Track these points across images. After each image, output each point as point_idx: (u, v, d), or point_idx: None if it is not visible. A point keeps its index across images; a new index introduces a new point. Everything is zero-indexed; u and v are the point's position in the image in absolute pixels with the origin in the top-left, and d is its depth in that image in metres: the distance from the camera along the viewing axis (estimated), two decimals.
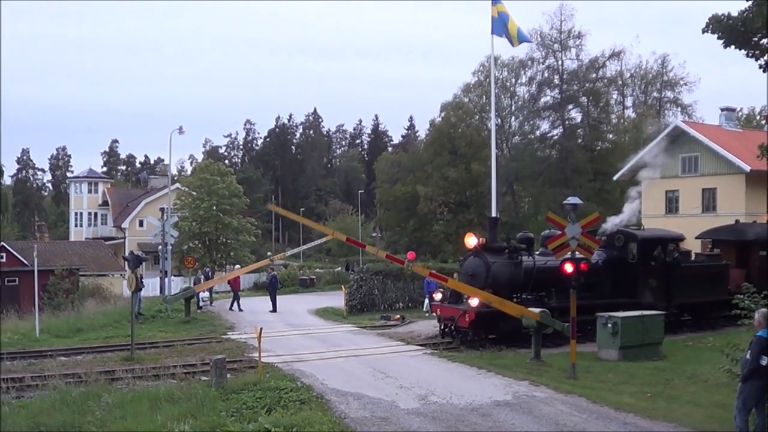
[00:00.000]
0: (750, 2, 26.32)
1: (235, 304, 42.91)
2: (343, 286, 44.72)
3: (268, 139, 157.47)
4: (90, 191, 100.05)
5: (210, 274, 49.61)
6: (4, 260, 53.90)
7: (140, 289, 34.22)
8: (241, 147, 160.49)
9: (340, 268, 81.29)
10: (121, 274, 61.49)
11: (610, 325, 24.45)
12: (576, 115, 78.84)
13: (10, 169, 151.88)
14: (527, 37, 43.19)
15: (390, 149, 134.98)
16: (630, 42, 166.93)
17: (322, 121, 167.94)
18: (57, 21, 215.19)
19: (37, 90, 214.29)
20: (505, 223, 62.26)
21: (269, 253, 57.03)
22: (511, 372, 20.65)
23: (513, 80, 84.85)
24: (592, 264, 24.89)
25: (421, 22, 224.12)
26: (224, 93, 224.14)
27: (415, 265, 23.75)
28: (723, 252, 35.12)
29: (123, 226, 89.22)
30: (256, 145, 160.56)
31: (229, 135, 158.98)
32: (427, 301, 38.73)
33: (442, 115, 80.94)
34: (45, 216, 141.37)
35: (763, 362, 12.87)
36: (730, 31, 26.86)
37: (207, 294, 46.01)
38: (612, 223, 32.30)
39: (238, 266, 69.58)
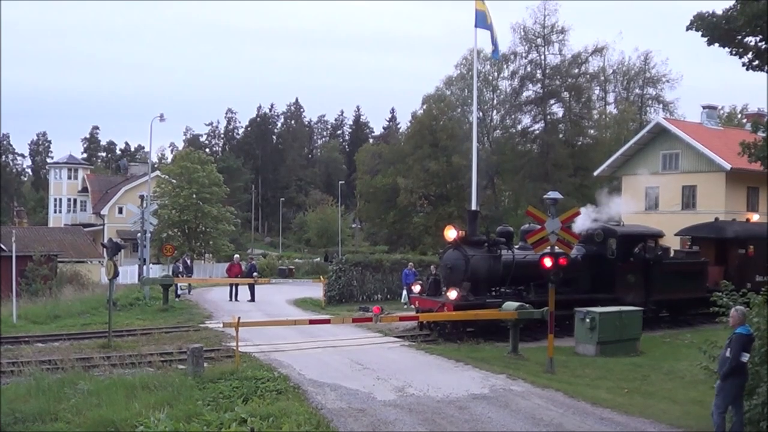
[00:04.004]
0: (734, 0, 26.41)
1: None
2: (321, 277, 44.64)
3: (249, 129, 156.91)
4: (70, 177, 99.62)
5: (189, 262, 49.44)
6: None
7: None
8: (222, 136, 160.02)
9: (319, 259, 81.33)
10: (99, 261, 61.20)
11: (588, 320, 24.50)
12: (558, 110, 79.19)
13: None
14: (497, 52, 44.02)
15: (371, 141, 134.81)
16: (613, 38, 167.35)
17: (304, 111, 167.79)
18: (38, 6, 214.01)
19: (17, 75, 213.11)
20: (485, 217, 62.36)
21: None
22: (488, 365, 20.65)
23: (495, 74, 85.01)
24: (571, 259, 24.93)
25: (404, 14, 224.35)
26: (206, 81, 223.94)
27: (385, 317, 23.86)
28: (702, 249, 35.25)
29: (102, 212, 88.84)
30: (237, 134, 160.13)
31: (210, 123, 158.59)
32: (405, 292, 38.73)
33: (424, 107, 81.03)
34: (24, 201, 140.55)
35: (744, 359, 12.92)
36: (713, 28, 26.94)
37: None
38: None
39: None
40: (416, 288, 30.48)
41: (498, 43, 40.27)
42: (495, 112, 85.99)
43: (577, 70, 78.06)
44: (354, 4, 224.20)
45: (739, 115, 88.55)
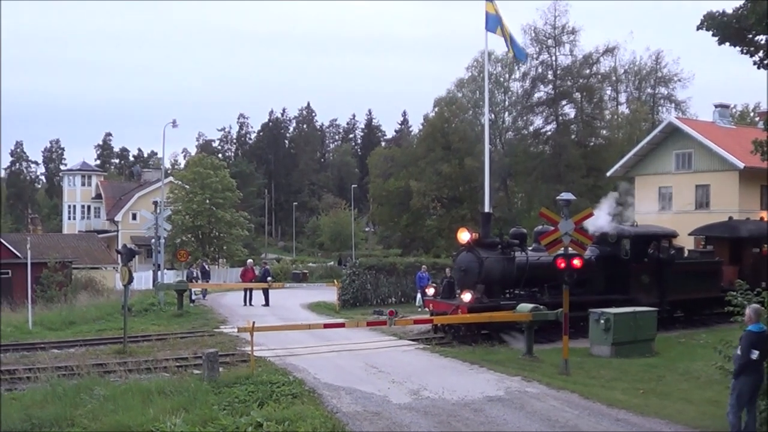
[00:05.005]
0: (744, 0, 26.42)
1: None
2: (335, 281, 44.69)
3: (261, 133, 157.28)
4: (83, 184, 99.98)
5: (206, 267, 49.72)
6: None
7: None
8: (234, 141, 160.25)
9: (332, 263, 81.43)
10: (114, 267, 61.41)
11: (602, 321, 24.44)
12: (569, 110, 79.10)
13: (3, 161, 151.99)
14: (523, 54, 43.55)
15: (383, 144, 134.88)
16: (624, 38, 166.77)
17: (316, 115, 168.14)
18: (50, 13, 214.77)
19: (30, 82, 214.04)
20: (498, 219, 62.28)
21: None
22: (503, 367, 20.63)
23: (507, 76, 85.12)
24: (584, 260, 24.91)
25: (415, 17, 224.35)
26: (218, 86, 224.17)
27: (399, 320, 24.01)
28: (716, 249, 35.12)
29: (116, 219, 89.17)
30: (250, 139, 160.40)
31: (223, 129, 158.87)
32: (419, 295, 38.73)
33: (436, 110, 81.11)
34: (38, 209, 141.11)
35: (753, 356, 12.88)
36: (724, 28, 26.97)
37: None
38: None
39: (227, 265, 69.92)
40: (430, 291, 30.48)
41: (517, 43, 40.01)
42: (507, 113, 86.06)
43: (588, 71, 77.94)
44: (365, 7, 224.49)
45: (752, 114, 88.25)
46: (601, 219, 30.00)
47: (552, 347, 25.39)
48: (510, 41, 37.74)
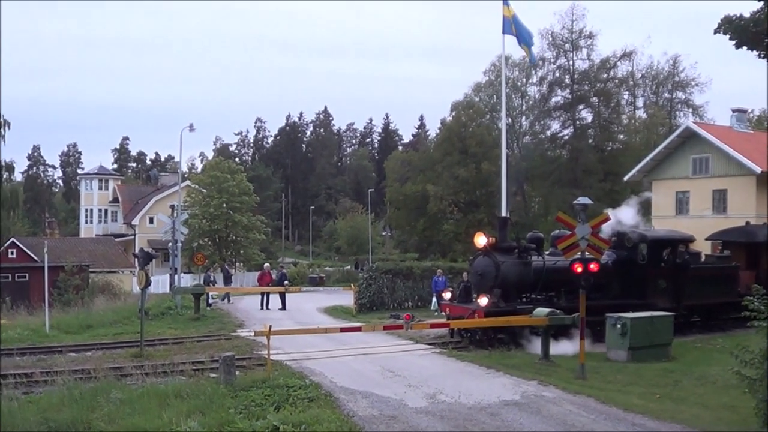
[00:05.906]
0: (762, 3, 26.29)
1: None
2: (352, 285, 44.70)
3: (278, 138, 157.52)
4: (100, 188, 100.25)
5: (228, 271, 49.89)
6: (14, 256, 54.08)
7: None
8: (251, 145, 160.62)
9: (349, 267, 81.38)
10: (131, 271, 61.57)
11: (619, 326, 24.40)
12: (587, 115, 78.88)
13: (21, 165, 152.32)
14: (534, 56, 43.03)
15: (400, 148, 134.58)
16: (641, 42, 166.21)
17: (333, 119, 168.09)
18: (66, 19, 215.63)
19: (47, 87, 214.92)
20: (515, 223, 62.12)
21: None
22: (519, 372, 20.61)
23: (524, 80, 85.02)
24: (601, 264, 24.83)
25: (432, 21, 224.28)
26: (235, 91, 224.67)
27: (415, 324, 24.08)
28: (733, 254, 34.96)
29: (133, 223, 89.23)
30: (267, 143, 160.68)
31: (240, 133, 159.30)
32: (435, 299, 38.73)
33: (453, 114, 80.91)
34: (55, 212, 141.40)
35: None
36: (741, 32, 26.83)
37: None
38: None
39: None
40: (447, 295, 30.48)
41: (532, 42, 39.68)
42: (524, 118, 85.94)
43: (605, 75, 77.78)
44: (382, 12, 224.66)
45: None
46: (627, 215, 30.07)
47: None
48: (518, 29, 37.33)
